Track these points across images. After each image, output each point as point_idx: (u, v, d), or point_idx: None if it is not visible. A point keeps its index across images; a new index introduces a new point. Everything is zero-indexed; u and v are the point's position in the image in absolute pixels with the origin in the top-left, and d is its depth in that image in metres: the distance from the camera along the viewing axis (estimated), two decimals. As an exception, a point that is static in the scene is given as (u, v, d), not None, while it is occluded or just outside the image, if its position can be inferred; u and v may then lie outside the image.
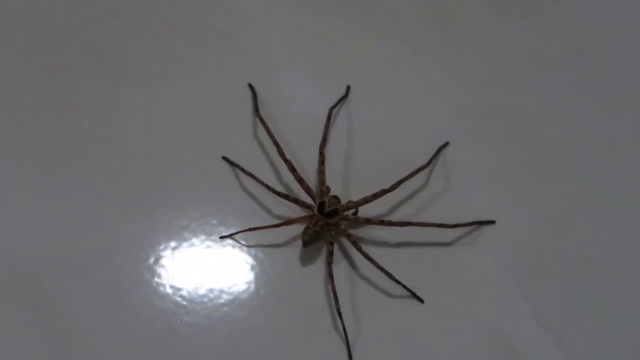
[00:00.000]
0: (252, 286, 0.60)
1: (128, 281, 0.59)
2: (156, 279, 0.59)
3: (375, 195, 0.59)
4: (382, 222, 0.59)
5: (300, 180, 0.60)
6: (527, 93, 0.65)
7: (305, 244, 0.59)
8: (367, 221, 0.59)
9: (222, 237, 0.61)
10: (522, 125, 0.64)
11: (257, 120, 0.64)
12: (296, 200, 0.60)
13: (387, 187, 0.61)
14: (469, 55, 0.66)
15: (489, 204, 0.62)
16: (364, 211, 0.62)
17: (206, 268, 0.60)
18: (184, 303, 0.59)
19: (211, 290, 0.59)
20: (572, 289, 0.60)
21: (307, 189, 0.60)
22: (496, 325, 0.58)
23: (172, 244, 0.61)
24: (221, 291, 0.59)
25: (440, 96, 0.65)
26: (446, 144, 0.64)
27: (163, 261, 0.60)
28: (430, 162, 0.61)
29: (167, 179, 0.62)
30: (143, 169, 0.62)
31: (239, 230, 0.61)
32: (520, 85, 0.65)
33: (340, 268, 0.60)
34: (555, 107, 0.65)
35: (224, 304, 0.59)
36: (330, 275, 0.57)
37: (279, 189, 0.62)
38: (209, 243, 0.61)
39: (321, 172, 0.60)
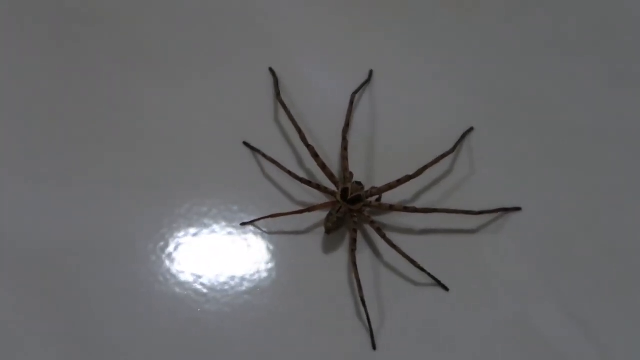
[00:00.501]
0: (274, 274, 0.59)
1: (148, 269, 0.59)
2: (176, 267, 0.59)
3: (399, 182, 0.59)
4: (406, 209, 0.58)
5: (322, 166, 0.60)
6: (553, 78, 0.64)
7: (328, 231, 0.58)
8: (391, 208, 0.59)
9: (243, 224, 0.61)
10: (548, 110, 0.64)
11: (279, 105, 0.63)
12: (319, 187, 0.59)
13: (411, 173, 0.61)
14: (493, 40, 0.65)
15: (515, 191, 0.61)
16: (388, 198, 0.62)
17: (227, 255, 0.60)
18: (205, 291, 0.59)
19: (232, 278, 0.59)
20: (600, 278, 0.59)
21: (329, 175, 0.60)
22: (521, 315, 0.58)
23: (193, 230, 0.60)
24: (242, 279, 0.59)
25: (464, 81, 0.64)
26: (471, 129, 0.63)
27: (183, 248, 0.60)
28: (454, 147, 0.61)
29: (187, 166, 0.62)
30: (162, 155, 0.62)
31: (260, 216, 0.61)
32: (546, 70, 0.65)
33: (364, 255, 0.60)
34: (581, 91, 0.64)
35: (245, 292, 0.59)
36: (353, 263, 0.57)
37: (301, 175, 0.62)
38: (229, 230, 0.60)
39: (344, 158, 0.60)
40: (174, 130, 0.63)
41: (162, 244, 0.60)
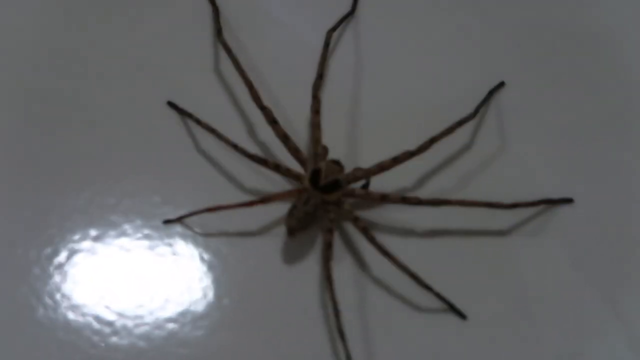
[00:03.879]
0: (211, 294, 0.54)
1: (28, 288, 0.54)
2: (70, 283, 0.53)
3: (396, 161, 0.54)
4: (405, 200, 0.54)
5: (284, 138, 0.55)
6: (622, 9, 0.61)
7: (291, 232, 0.53)
8: (384, 198, 0.54)
9: (167, 222, 0.55)
10: (613, 55, 0.60)
11: (220, 47, 0.59)
12: (278, 167, 0.54)
13: (412, 148, 0.56)
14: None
15: (563, 174, 0.57)
16: (379, 183, 0.56)
17: (144, 267, 0.54)
18: (112, 317, 0.53)
19: (151, 299, 0.53)
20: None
21: (294, 151, 0.55)
22: (571, 350, 0.53)
23: (93, 232, 0.55)
24: (166, 301, 0.53)
25: (492, 14, 0.61)
26: (500, 85, 0.58)
27: (79, 257, 0.54)
28: (477, 111, 0.55)
29: (88, 137, 0.57)
30: (53, 122, 0.57)
31: (192, 211, 0.55)
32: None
33: (343, 267, 0.55)
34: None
35: (169, 319, 0.53)
36: (328, 278, 0.52)
37: (253, 150, 0.57)
38: (147, 231, 0.55)
39: (315, 126, 0.55)
40: (69, 85, 0.58)
41: (47, 251, 0.55)
